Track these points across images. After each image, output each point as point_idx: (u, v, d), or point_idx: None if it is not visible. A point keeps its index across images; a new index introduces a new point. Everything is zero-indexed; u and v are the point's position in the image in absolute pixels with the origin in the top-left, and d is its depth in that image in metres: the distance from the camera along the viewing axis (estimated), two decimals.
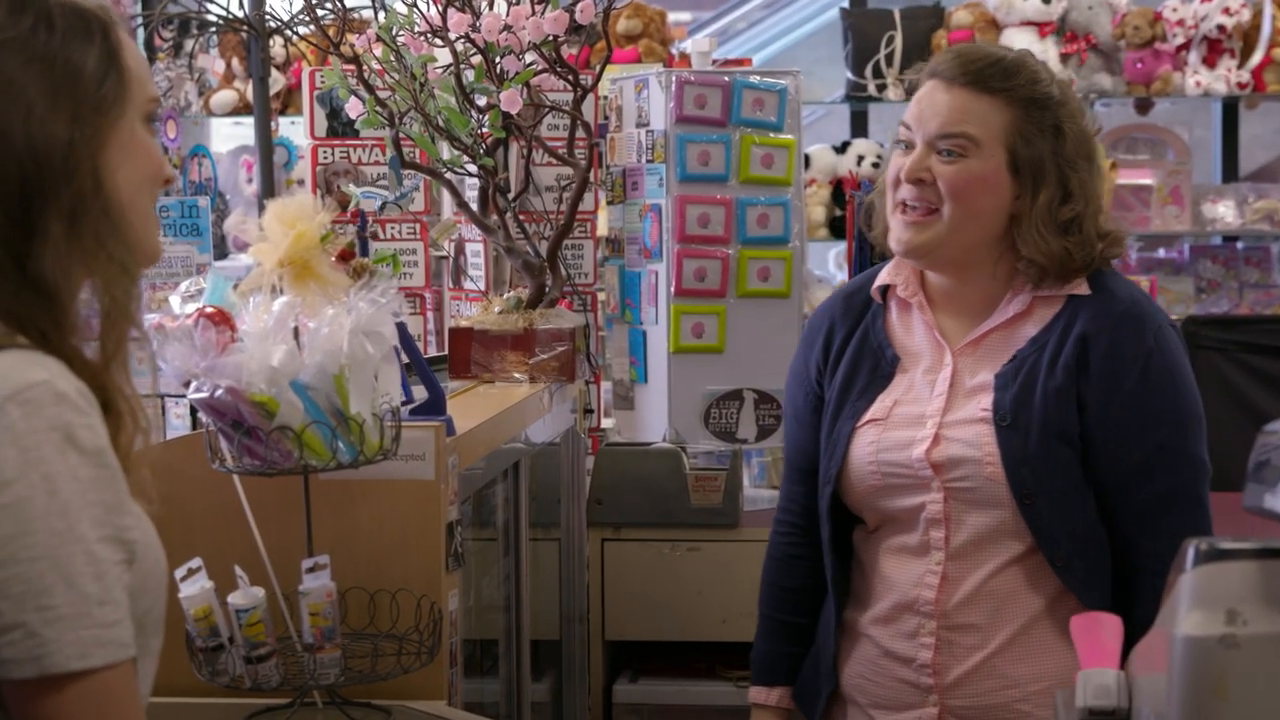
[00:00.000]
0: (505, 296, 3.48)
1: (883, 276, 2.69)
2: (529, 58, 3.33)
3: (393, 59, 3.32)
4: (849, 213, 4.43)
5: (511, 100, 3.27)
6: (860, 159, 6.30)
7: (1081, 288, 2.56)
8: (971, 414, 2.55)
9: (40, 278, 1.59)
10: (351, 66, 3.37)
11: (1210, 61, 6.49)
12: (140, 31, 5.34)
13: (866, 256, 3.95)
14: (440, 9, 3.32)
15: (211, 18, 4.85)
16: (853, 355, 2.67)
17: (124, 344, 1.63)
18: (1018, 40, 6.42)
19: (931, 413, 2.58)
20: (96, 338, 1.62)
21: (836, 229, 6.16)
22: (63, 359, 1.58)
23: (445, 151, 3.44)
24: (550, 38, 3.30)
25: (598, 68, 3.60)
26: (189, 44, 5.73)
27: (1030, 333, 2.57)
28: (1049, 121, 2.53)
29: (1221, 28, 6.41)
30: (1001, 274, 2.59)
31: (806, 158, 4.55)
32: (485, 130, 3.38)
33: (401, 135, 3.39)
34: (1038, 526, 2.51)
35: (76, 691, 1.50)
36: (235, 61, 6.48)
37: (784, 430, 2.82)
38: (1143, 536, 2.53)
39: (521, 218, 3.60)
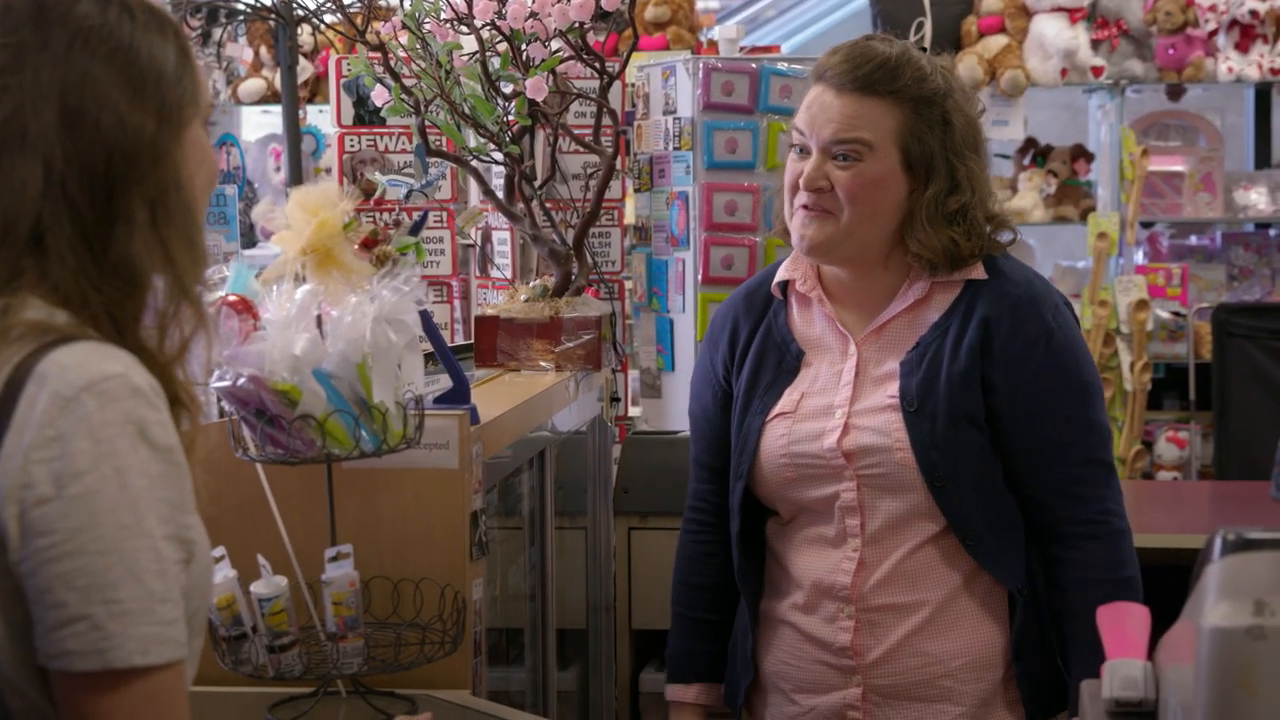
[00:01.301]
0: (532, 284, 3.47)
1: (781, 272, 2.73)
2: (555, 45, 3.32)
3: (418, 46, 3.31)
4: None
5: (537, 88, 3.26)
6: None
7: (978, 272, 2.62)
8: (879, 402, 2.60)
9: (124, 262, 1.59)
10: (377, 54, 3.36)
11: (1243, 47, 6.46)
12: None
13: None
14: None
15: (239, 6, 4.85)
16: (757, 351, 2.71)
17: (190, 339, 1.64)
18: (1049, 26, 6.39)
19: (840, 402, 2.62)
20: (159, 329, 1.62)
21: None
22: (133, 351, 1.58)
23: (471, 139, 3.43)
24: (576, 24, 3.28)
25: (625, 55, 3.59)
26: (217, 32, 5.73)
27: (932, 318, 2.62)
28: (937, 116, 2.58)
29: (1254, 13, 6.37)
30: (894, 266, 2.64)
31: None
32: (511, 118, 3.37)
33: (427, 123, 3.38)
34: (949, 507, 2.56)
35: (135, 688, 1.50)
36: (263, 50, 6.50)
37: (691, 430, 2.85)
38: (1063, 505, 2.59)
39: (548, 205, 3.59)
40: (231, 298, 2.23)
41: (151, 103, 1.62)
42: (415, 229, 2.71)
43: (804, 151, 2.60)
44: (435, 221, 4.11)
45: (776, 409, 2.66)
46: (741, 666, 2.73)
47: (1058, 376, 2.58)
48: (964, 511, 2.56)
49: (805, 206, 2.59)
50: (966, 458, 2.55)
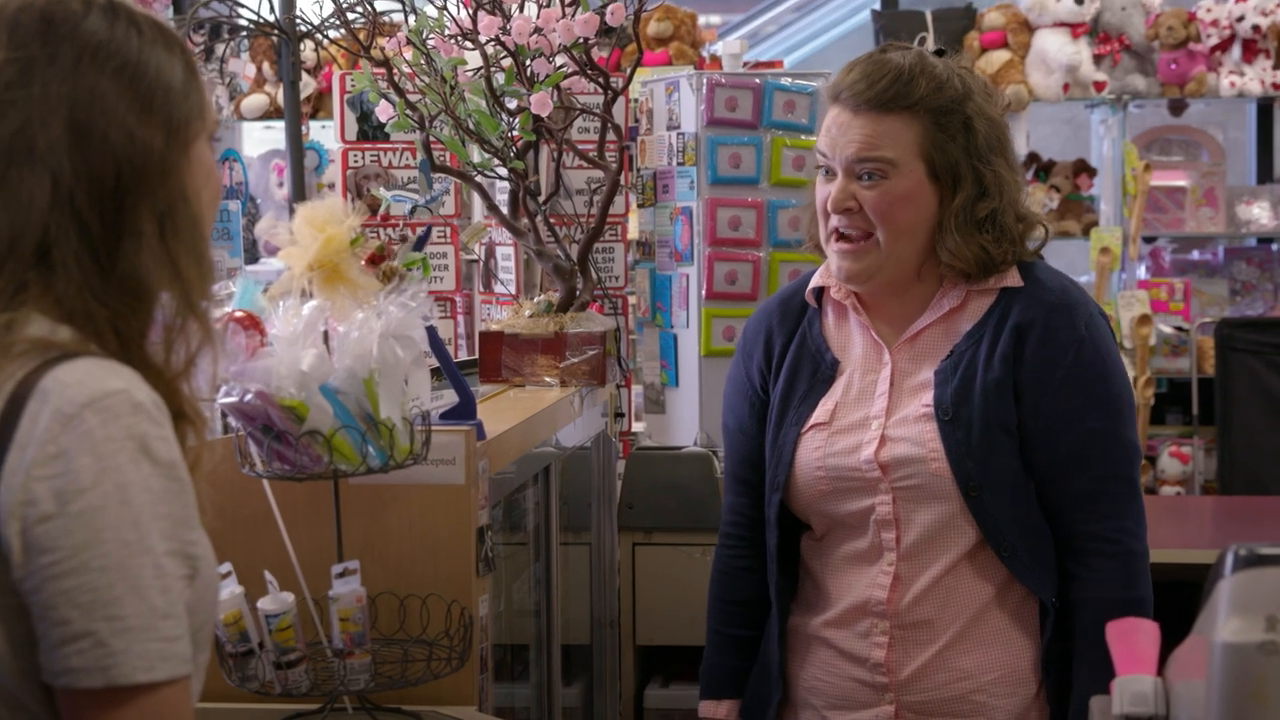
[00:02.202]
0: (536, 300, 3.47)
1: (816, 279, 2.70)
2: (559, 60, 3.32)
3: (423, 62, 3.31)
4: None
5: (542, 103, 3.26)
6: None
7: (1013, 279, 2.59)
8: (914, 411, 2.57)
9: (131, 275, 1.59)
10: (382, 70, 3.37)
11: (1245, 61, 6.46)
12: None
13: None
14: (470, 12, 3.31)
15: (243, 22, 4.85)
16: (793, 361, 2.68)
17: (196, 354, 1.64)
18: (1051, 41, 6.39)
19: (875, 414, 2.60)
20: (166, 344, 1.62)
21: None
22: (136, 367, 1.58)
23: (475, 155, 3.43)
24: (581, 40, 3.28)
25: (628, 70, 3.59)
26: (220, 48, 5.74)
27: (966, 326, 2.59)
28: (958, 123, 2.55)
29: (1256, 28, 6.37)
30: (927, 275, 2.61)
31: None
32: (515, 133, 3.37)
33: (432, 138, 3.38)
34: (984, 518, 2.53)
35: (139, 704, 1.49)
36: (266, 65, 6.50)
37: (725, 444, 2.82)
38: (1081, 520, 2.56)
39: (552, 221, 3.59)
40: (238, 313, 2.22)
41: (159, 117, 1.62)
42: (420, 244, 2.71)
43: (829, 173, 2.58)
44: (439, 237, 4.11)
45: (812, 420, 2.63)
46: (772, 683, 2.69)
47: (1084, 387, 2.54)
48: (999, 522, 2.53)
49: (839, 231, 2.57)
50: (1001, 466, 2.52)
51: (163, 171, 1.61)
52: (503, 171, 3.45)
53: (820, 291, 2.70)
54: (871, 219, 2.54)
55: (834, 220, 2.57)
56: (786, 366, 2.68)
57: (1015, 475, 2.54)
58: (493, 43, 3.31)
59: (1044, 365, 2.54)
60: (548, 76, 3.29)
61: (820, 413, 2.63)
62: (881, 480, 2.56)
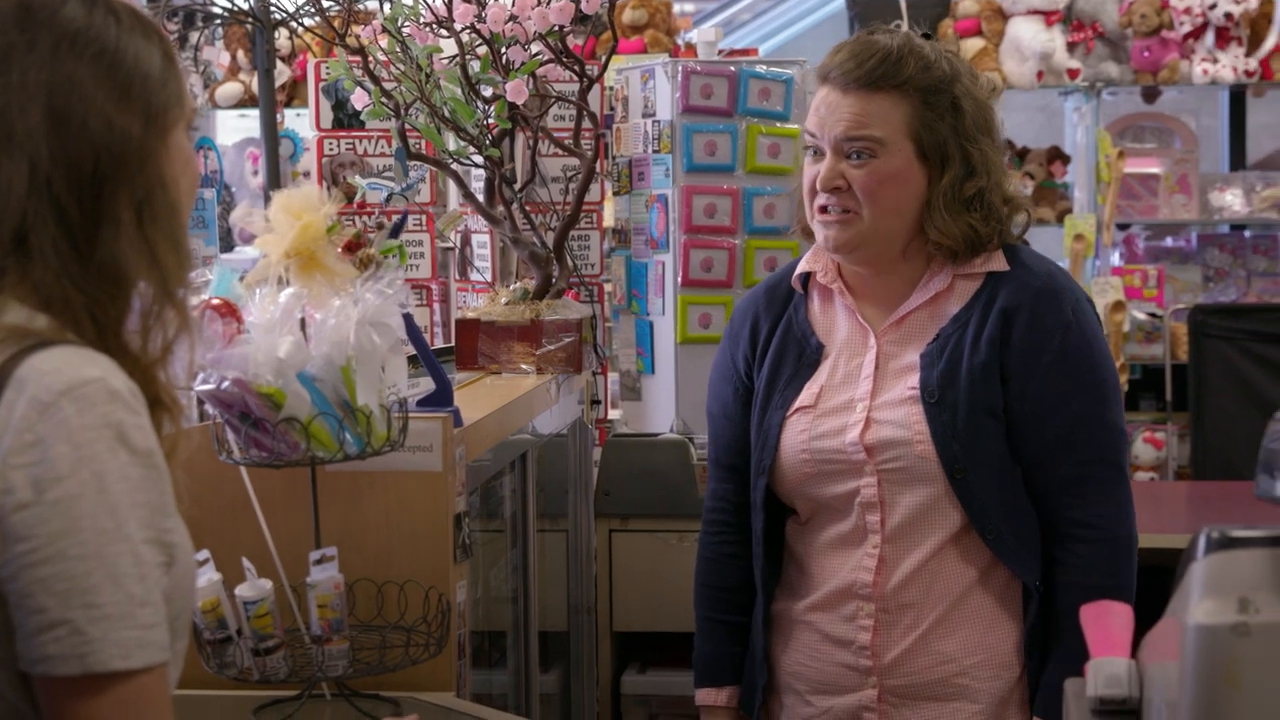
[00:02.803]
0: (512, 288, 3.48)
1: (803, 264, 2.72)
2: (535, 48, 3.32)
3: (398, 50, 3.31)
4: None
5: (517, 91, 3.27)
6: None
7: (999, 263, 2.60)
8: (900, 394, 2.58)
9: (110, 262, 1.60)
10: (357, 58, 3.37)
11: (1218, 49, 6.48)
12: None
13: None
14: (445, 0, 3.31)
15: (217, 10, 4.84)
16: (778, 345, 2.69)
17: (173, 342, 1.64)
18: (1025, 29, 6.40)
19: (860, 396, 2.60)
20: (142, 332, 1.62)
21: None
22: (113, 355, 1.58)
23: (451, 142, 3.43)
24: (556, 28, 3.29)
25: (604, 58, 3.60)
26: (194, 36, 5.72)
27: (953, 310, 2.60)
28: (946, 102, 2.56)
29: (1229, 15, 6.39)
30: (913, 256, 2.62)
31: None
32: (491, 121, 3.37)
33: (407, 126, 3.38)
34: (969, 501, 2.54)
35: (116, 692, 1.50)
36: (240, 54, 6.48)
37: (710, 428, 2.82)
38: (1066, 505, 2.57)
39: (528, 209, 3.60)
40: (215, 301, 2.23)
41: (138, 104, 1.63)
42: (395, 232, 2.71)
43: (818, 153, 2.59)
44: (415, 225, 4.11)
45: (797, 403, 2.64)
46: (757, 667, 2.70)
47: (1071, 372, 2.55)
48: (984, 505, 2.54)
49: (824, 209, 2.58)
50: (987, 450, 2.53)
51: (141, 159, 1.62)
52: (478, 159, 3.45)
53: (807, 277, 2.71)
54: (859, 198, 2.55)
55: (821, 198, 2.57)
56: (772, 351, 2.69)
57: (1001, 459, 2.55)
58: (468, 30, 3.31)
59: (1031, 350, 2.55)
60: (523, 64, 3.29)
61: (805, 396, 2.63)
62: (866, 463, 2.57)
